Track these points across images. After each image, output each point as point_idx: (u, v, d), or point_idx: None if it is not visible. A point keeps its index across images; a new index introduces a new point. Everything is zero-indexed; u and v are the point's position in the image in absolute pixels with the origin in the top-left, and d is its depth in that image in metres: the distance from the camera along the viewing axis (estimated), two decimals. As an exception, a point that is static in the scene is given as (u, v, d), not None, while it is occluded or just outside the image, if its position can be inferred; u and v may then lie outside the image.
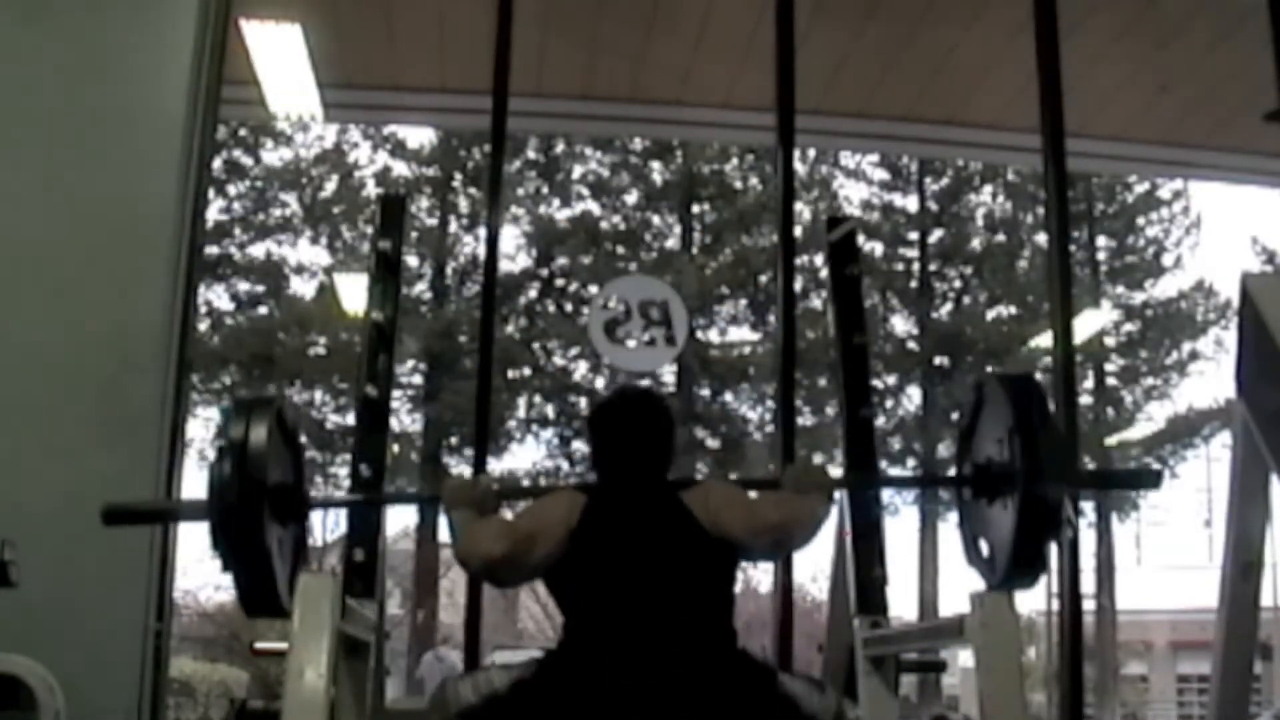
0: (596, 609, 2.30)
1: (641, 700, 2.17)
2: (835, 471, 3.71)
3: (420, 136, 18.73)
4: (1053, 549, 2.54)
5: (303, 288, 18.52)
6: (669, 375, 17.56)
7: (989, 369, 19.34)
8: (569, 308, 18.58)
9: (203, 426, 17.27)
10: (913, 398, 19.41)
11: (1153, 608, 20.85)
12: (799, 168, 16.59)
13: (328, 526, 18.45)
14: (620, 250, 18.96)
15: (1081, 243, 18.61)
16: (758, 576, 16.80)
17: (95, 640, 3.46)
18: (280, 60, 5.83)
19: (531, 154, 18.70)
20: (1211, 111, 6.12)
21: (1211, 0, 5.35)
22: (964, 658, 2.77)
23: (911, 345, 19.21)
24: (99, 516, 2.56)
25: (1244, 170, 6.89)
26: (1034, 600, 17.13)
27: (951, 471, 2.83)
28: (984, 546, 2.53)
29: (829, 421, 15.73)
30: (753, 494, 2.52)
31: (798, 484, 2.45)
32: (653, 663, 2.20)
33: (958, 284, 19.63)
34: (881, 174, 19.53)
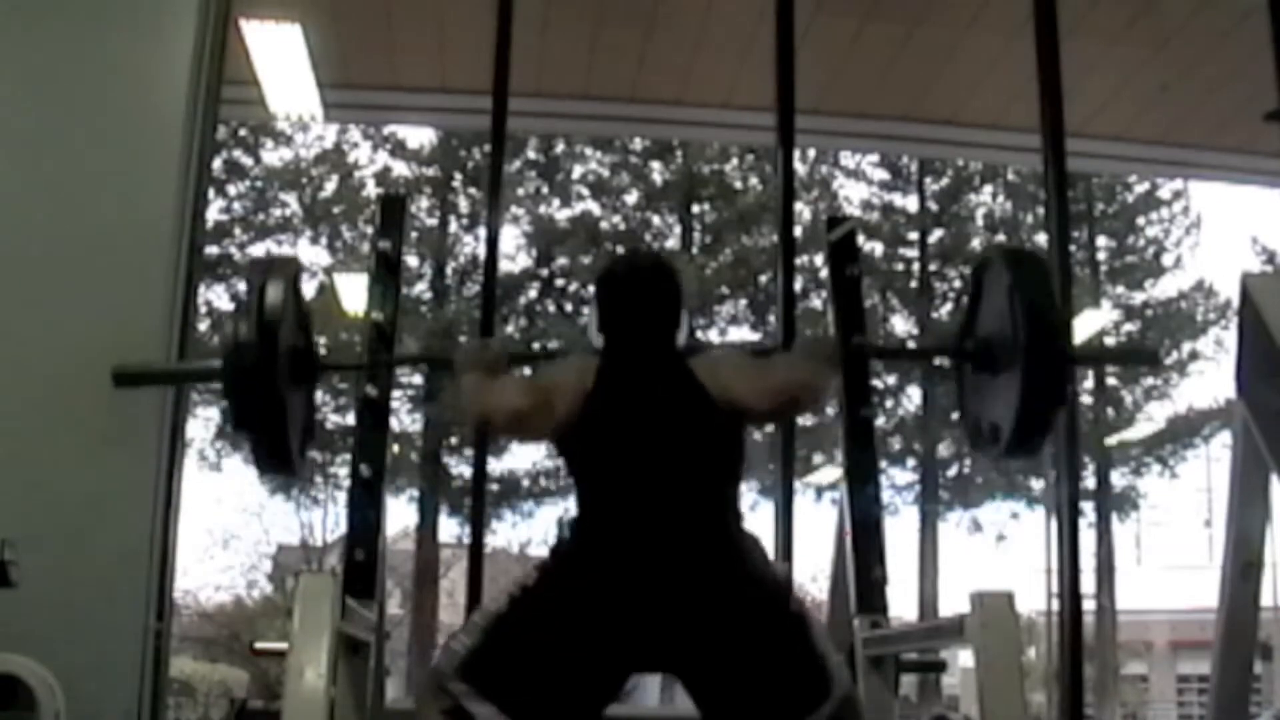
0: (607, 481, 2.30)
1: (648, 593, 2.18)
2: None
3: (420, 136, 18.72)
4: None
5: (303, 288, 18.50)
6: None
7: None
8: (569, 308, 18.57)
9: (202, 426, 17.28)
10: (913, 398, 19.41)
11: (1153, 608, 20.84)
12: (799, 168, 16.56)
13: (328, 527, 18.52)
14: (620, 250, 18.95)
15: (1081, 243, 18.57)
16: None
17: (95, 640, 3.46)
18: (280, 60, 5.83)
19: (531, 154, 18.68)
20: (1211, 111, 6.12)
21: (1211, 0, 5.35)
22: (964, 658, 2.77)
23: (911, 345, 19.19)
24: (110, 379, 2.67)
25: (1244, 170, 6.89)
26: (1034, 600, 17.14)
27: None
28: (985, 425, 2.57)
29: (829, 421, 15.72)
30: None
31: (806, 352, 2.52)
32: (661, 550, 2.20)
33: (958, 284, 19.61)
34: (881, 174, 19.50)
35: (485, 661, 2.18)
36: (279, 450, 2.43)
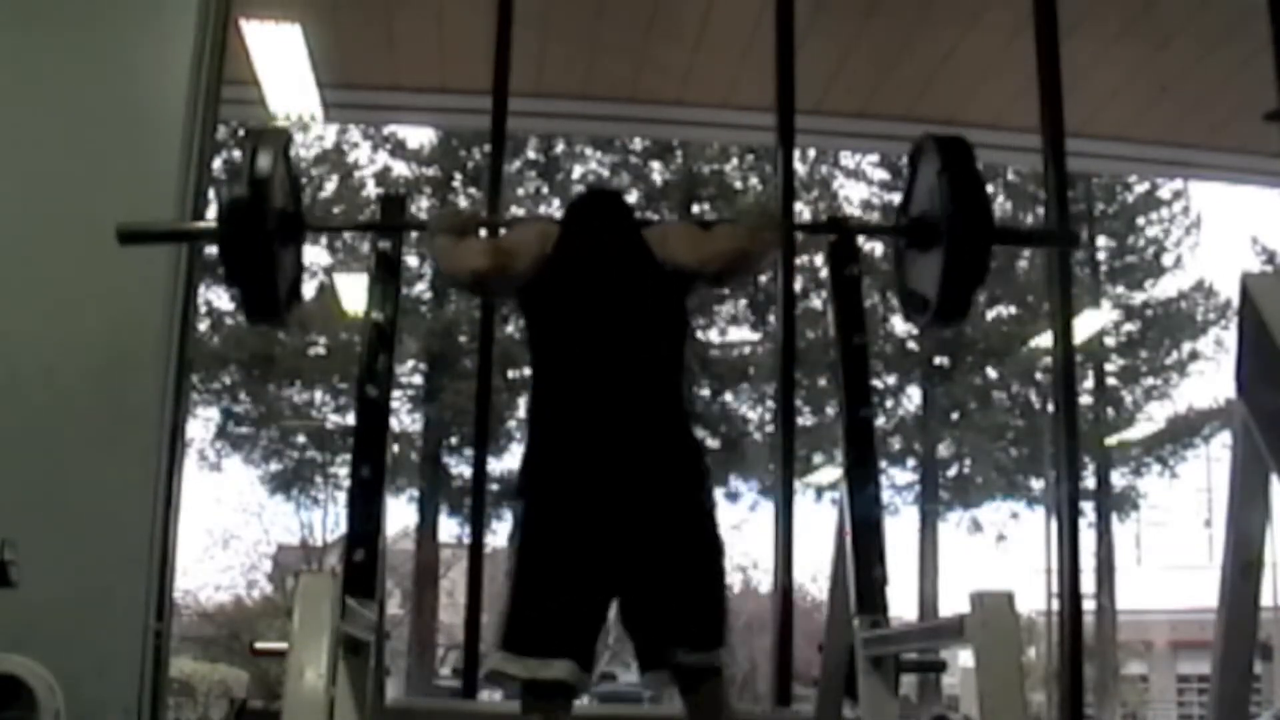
0: (561, 339, 2.55)
1: (611, 507, 2.44)
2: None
3: (420, 136, 18.72)
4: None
5: (303, 288, 18.48)
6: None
7: (989, 369, 19.35)
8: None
9: (202, 426, 17.28)
10: (913, 398, 19.41)
11: (1153, 608, 20.83)
12: (799, 168, 16.56)
13: (328, 527, 18.52)
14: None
15: (1081, 243, 18.57)
16: (758, 577, 16.80)
17: (95, 640, 3.46)
18: (280, 60, 5.84)
19: (531, 154, 18.69)
20: (1211, 111, 6.12)
21: (1211, 0, 5.35)
22: (964, 658, 2.77)
23: (911, 345, 19.19)
24: (115, 237, 2.91)
25: (1244, 170, 6.89)
26: (1034, 600, 17.15)
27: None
28: (916, 297, 2.87)
29: (829, 421, 15.72)
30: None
31: (749, 221, 2.84)
32: (617, 453, 2.46)
33: (957, 284, 19.60)
34: (881, 174, 19.51)
35: (514, 623, 2.45)
36: (268, 301, 2.74)
